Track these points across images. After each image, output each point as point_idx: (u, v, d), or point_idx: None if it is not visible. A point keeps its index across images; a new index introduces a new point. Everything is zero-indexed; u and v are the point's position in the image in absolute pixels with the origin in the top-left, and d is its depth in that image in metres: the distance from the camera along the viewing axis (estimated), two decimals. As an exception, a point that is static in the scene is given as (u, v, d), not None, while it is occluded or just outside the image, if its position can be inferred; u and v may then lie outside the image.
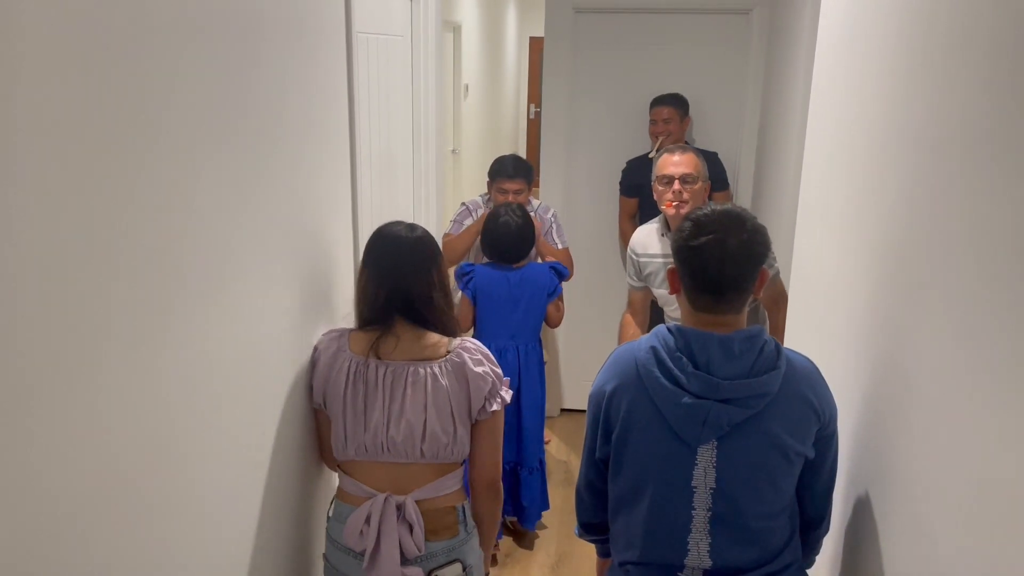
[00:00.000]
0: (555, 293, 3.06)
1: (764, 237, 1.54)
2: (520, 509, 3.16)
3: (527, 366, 3.03)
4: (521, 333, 3.02)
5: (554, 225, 3.42)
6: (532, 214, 3.42)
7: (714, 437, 1.49)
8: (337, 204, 1.94)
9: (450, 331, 1.75)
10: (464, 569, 1.71)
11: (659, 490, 1.54)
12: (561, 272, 3.09)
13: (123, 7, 0.98)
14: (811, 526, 1.65)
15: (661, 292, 2.79)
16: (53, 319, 0.88)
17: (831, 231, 1.95)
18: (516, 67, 9.96)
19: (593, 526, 1.78)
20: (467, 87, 6.65)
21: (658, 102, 3.70)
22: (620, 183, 3.85)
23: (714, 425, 1.47)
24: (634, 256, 2.84)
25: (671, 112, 3.64)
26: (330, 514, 1.76)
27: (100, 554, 1.01)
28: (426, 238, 1.77)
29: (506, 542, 3.25)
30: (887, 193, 1.53)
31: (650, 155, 3.62)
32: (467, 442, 1.73)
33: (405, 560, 1.65)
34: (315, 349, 1.76)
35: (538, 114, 10.48)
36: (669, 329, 1.54)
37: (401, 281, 1.71)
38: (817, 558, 1.79)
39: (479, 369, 1.71)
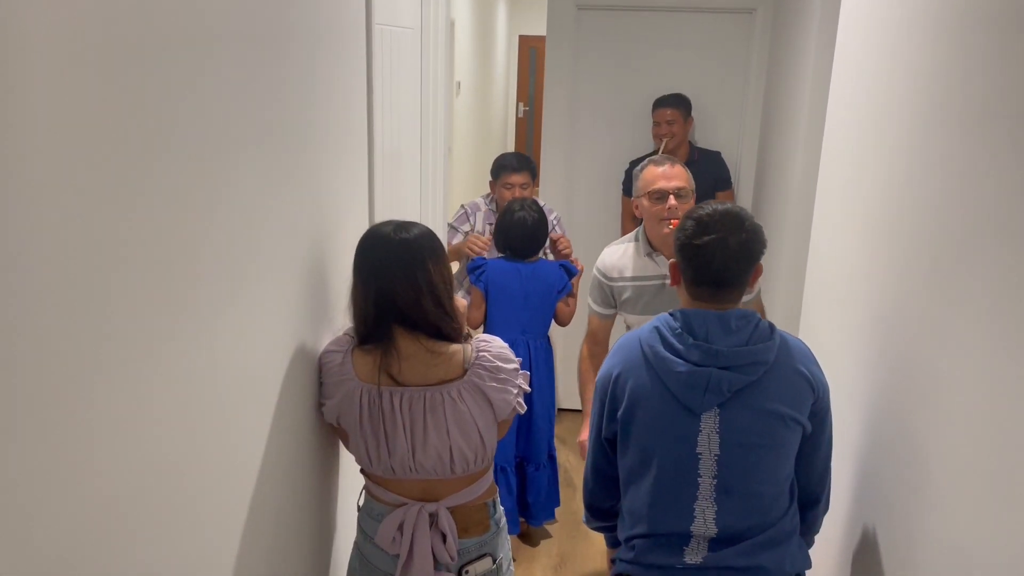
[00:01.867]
0: (565, 290, 3.04)
1: (761, 236, 1.66)
2: (526, 506, 3.14)
3: (537, 362, 3.03)
4: (531, 328, 3.02)
5: (557, 227, 3.39)
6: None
7: (716, 404, 1.57)
8: (354, 203, 1.90)
9: (454, 337, 1.63)
10: (495, 562, 1.69)
11: (666, 459, 1.61)
12: (571, 270, 3.08)
13: (148, 6, 0.94)
14: (810, 504, 1.71)
15: (635, 318, 2.48)
16: (59, 321, 0.84)
17: (851, 223, 1.94)
18: (506, 65, 9.93)
19: (600, 511, 1.83)
20: (459, 84, 6.61)
21: (661, 103, 3.67)
22: (623, 183, 3.83)
23: (715, 391, 1.56)
24: (606, 281, 2.52)
25: (674, 114, 3.61)
26: (360, 504, 1.72)
27: (115, 555, 0.96)
28: (414, 239, 1.60)
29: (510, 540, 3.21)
30: (917, 186, 1.52)
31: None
32: (495, 443, 1.68)
33: (438, 565, 1.62)
34: (319, 366, 1.65)
35: (527, 112, 10.46)
36: (671, 313, 1.65)
37: (386, 287, 1.57)
38: (831, 546, 1.79)
39: (499, 384, 1.62)
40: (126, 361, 0.92)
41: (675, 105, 3.63)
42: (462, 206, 3.42)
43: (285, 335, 1.48)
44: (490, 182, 3.37)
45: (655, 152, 3.66)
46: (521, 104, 10.58)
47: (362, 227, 1.90)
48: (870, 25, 1.89)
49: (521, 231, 2.97)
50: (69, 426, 0.83)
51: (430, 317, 1.59)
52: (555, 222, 3.39)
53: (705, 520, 1.59)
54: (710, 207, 1.66)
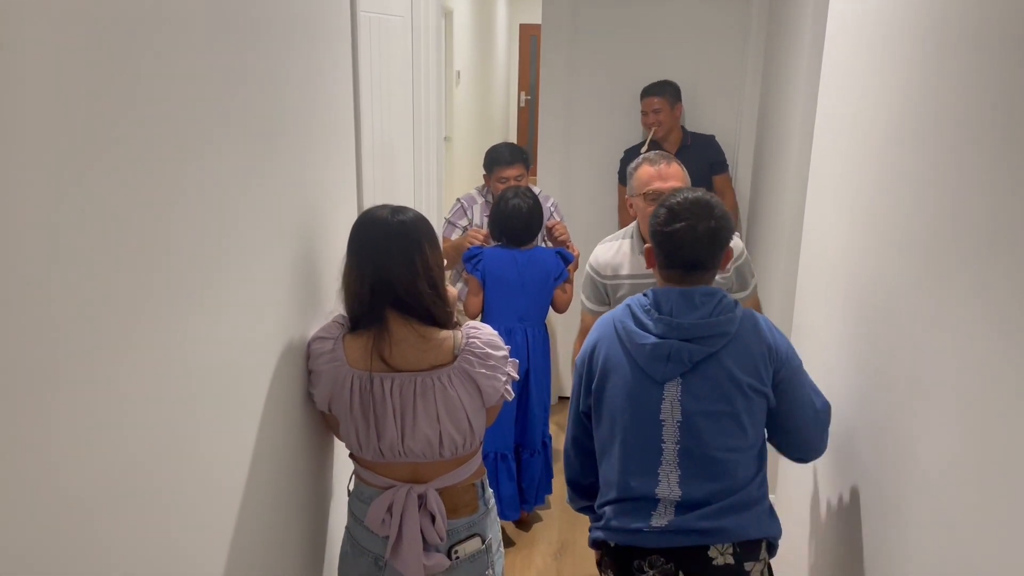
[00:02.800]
0: (561, 278, 3.05)
1: (730, 223, 1.76)
2: (520, 491, 3.15)
3: (534, 349, 3.03)
4: (529, 315, 3.02)
5: (555, 214, 3.39)
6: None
7: (678, 374, 1.68)
8: (342, 190, 1.90)
9: (445, 322, 1.64)
10: (484, 542, 1.70)
11: (631, 425, 1.71)
12: (567, 257, 3.07)
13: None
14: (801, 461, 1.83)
15: None
16: (29, 311, 0.84)
17: (841, 210, 1.93)
18: (506, 54, 9.90)
19: (581, 487, 1.92)
20: (459, 74, 6.60)
21: (647, 92, 3.64)
22: (619, 173, 3.82)
23: (677, 361, 1.67)
24: (599, 279, 2.49)
25: (660, 102, 3.59)
26: (350, 488, 1.73)
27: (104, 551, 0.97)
28: (411, 222, 1.61)
29: (507, 527, 3.23)
30: (907, 173, 1.51)
31: (642, 150, 3.55)
32: (483, 428, 1.69)
33: (427, 546, 1.63)
34: (308, 355, 1.65)
35: (528, 102, 10.43)
36: (644, 293, 1.78)
37: (383, 270, 1.57)
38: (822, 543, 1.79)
39: (488, 371, 1.63)
40: (103, 353, 0.92)
41: (661, 93, 3.60)
42: (458, 200, 3.40)
43: (273, 323, 1.48)
44: (484, 175, 3.36)
45: (643, 142, 3.64)
46: (523, 93, 10.55)
47: (351, 213, 1.90)
48: (861, 12, 1.88)
49: (516, 219, 2.97)
50: (42, 423, 0.83)
51: (425, 301, 1.60)
52: (552, 208, 3.38)
53: (669, 484, 1.68)
54: (681, 195, 1.77)
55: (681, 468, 1.68)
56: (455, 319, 1.68)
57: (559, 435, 3.92)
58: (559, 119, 3.92)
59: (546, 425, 3.19)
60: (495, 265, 2.98)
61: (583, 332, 2.62)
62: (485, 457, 2.96)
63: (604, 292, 2.51)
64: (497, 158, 3.29)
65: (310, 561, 1.75)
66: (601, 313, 2.50)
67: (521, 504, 3.18)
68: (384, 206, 1.65)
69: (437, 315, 1.62)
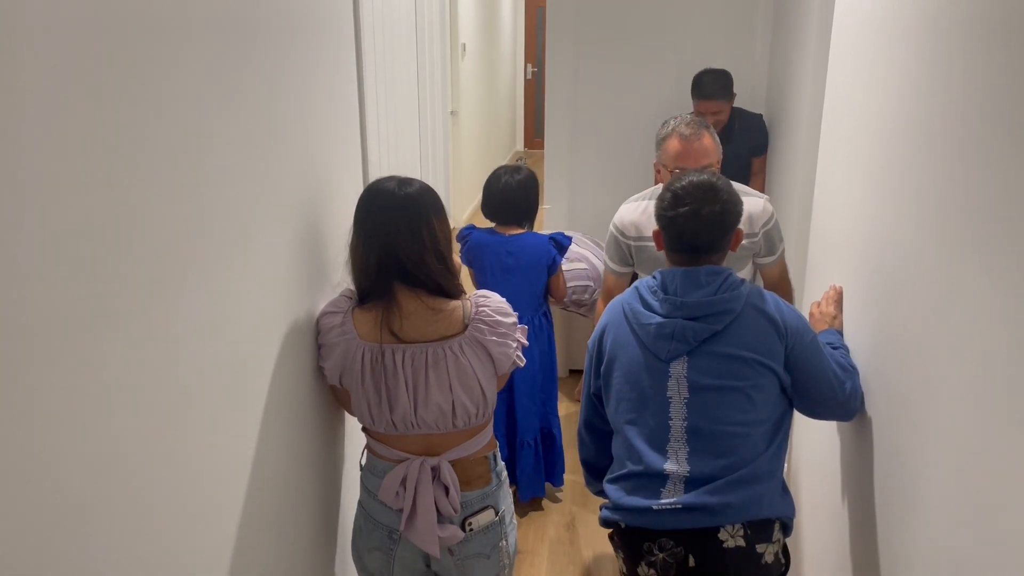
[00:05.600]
0: (554, 267, 2.88)
1: (736, 207, 1.75)
2: (515, 481, 3.10)
3: (527, 336, 2.94)
4: (517, 305, 2.87)
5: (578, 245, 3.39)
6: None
7: (684, 352, 1.68)
8: (347, 162, 1.89)
9: (454, 293, 1.63)
10: (497, 514, 1.71)
11: (638, 404, 1.72)
12: (561, 243, 2.91)
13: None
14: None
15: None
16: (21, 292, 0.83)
17: (853, 175, 1.91)
18: (512, 26, 9.80)
19: (596, 470, 1.92)
20: (464, 46, 6.54)
21: (704, 95, 3.37)
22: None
23: (681, 340, 1.68)
24: (623, 239, 2.48)
25: (719, 105, 3.38)
26: (363, 463, 1.74)
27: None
28: (418, 194, 1.60)
29: (521, 503, 3.25)
30: (917, 142, 1.49)
31: None
32: (495, 397, 1.69)
33: (441, 518, 1.64)
34: (317, 330, 1.65)
35: (535, 74, 10.33)
36: (653, 275, 1.79)
37: (390, 243, 1.56)
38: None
39: (499, 338, 1.64)
40: (114, 332, 0.92)
41: (721, 96, 3.37)
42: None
43: (279, 298, 1.48)
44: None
45: None
46: (529, 65, 10.45)
47: (357, 186, 1.88)
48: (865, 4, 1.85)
49: (500, 196, 2.88)
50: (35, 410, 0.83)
51: (433, 273, 1.60)
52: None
53: (678, 460, 1.67)
54: (687, 179, 1.75)
55: (689, 444, 1.67)
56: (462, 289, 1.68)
57: (570, 407, 3.93)
58: (566, 92, 3.87)
59: (549, 415, 3.09)
60: (478, 248, 2.90)
61: (606, 292, 2.62)
62: None
63: (628, 253, 2.50)
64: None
65: (323, 536, 1.77)
66: (624, 275, 2.59)
67: (518, 494, 3.11)
68: (390, 178, 1.63)
69: (446, 286, 1.62)
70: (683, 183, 1.74)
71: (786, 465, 2.53)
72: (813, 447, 2.22)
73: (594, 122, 3.93)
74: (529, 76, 10.46)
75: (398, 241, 1.57)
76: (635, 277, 2.43)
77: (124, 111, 0.94)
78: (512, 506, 1.80)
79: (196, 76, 1.11)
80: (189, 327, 1.11)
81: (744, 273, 2.53)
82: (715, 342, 1.67)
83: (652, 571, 1.69)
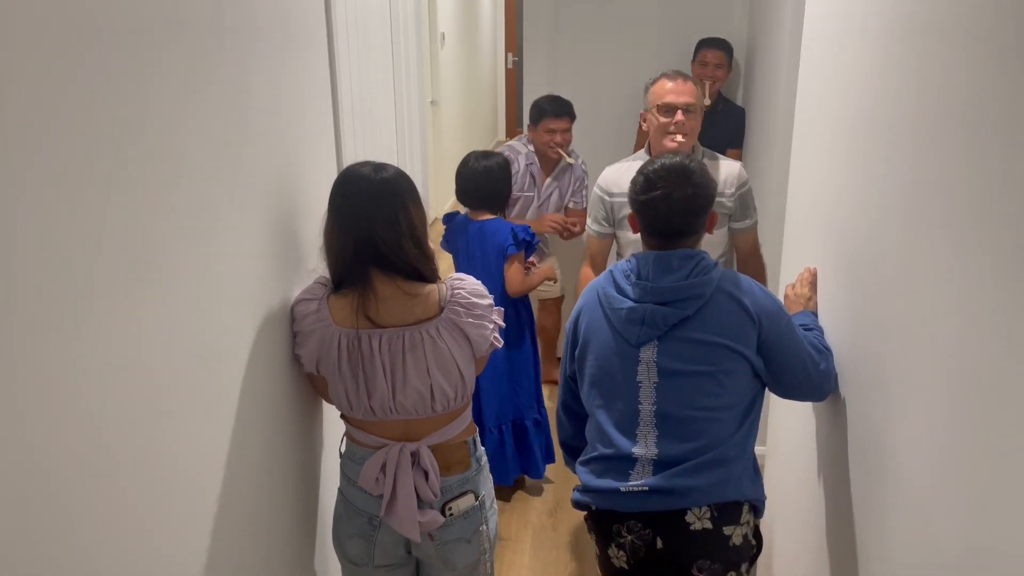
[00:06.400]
0: (505, 256, 2.82)
1: (708, 190, 1.74)
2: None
3: None
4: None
5: (585, 174, 3.44)
6: (571, 160, 3.40)
7: (654, 337, 1.68)
8: (320, 149, 1.88)
9: (430, 278, 1.63)
10: (477, 499, 1.71)
11: (610, 388, 1.73)
12: (518, 235, 2.82)
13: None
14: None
15: (628, 236, 2.50)
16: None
17: (827, 152, 1.93)
18: (492, 15, 9.77)
19: (574, 450, 1.93)
20: (443, 36, 6.51)
21: (708, 44, 3.48)
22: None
23: (651, 325, 1.67)
24: (606, 197, 2.55)
25: (721, 57, 3.44)
26: (342, 451, 1.74)
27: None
28: (394, 179, 1.59)
29: (505, 490, 3.26)
30: (888, 119, 1.50)
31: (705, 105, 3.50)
32: (474, 380, 1.70)
33: (421, 503, 1.65)
34: (292, 318, 1.64)
35: (516, 63, 10.31)
36: (627, 259, 1.79)
37: (366, 228, 1.56)
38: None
39: (475, 320, 1.64)
40: (83, 323, 0.92)
41: (723, 48, 3.46)
42: (504, 144, 3.45)
43: (254, 286, 1.47)
44: (528, 126, 3.40)
45: (705, 99, 3.57)
46: (510, 54, 10.42)
47: (330, 173, 1.87)
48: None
49: (468, 181, 2.89)
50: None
51: (410, 258, 1.59)
52: (583, 168, 3.46)
53: (647, 444, 1.68)
54: (659, 162, 1.74)
55: (659, 428, 1.68)
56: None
57: (555, 393, 3.95)
58: (542, 80, 3.88)
59: (526, 408, 3.06)
60: (450, 233, 2.93)
61: (590, 258, 2.70)
62: None
63: (609, 211, 2.56)
64: (546, 109, 3.33)
65: (303, 524, 1.77)
66: (606, 236, 2.64)
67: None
68: (365, 163, 1.63)
69: (423, 271, 1.62)
70: (655, 166, 1.73)
71: (761, 447, 2.56)
72: (789, 431, 2.24)
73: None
74: (510, 65, 10.43)
75: (374, 226, 1.56)
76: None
77: (89, 99, 0.94)
78: (492, 491, 1.81)
79: (164, 63, 1.11)
80: (159, 317, 1.11)
81: (720, 237, 2.57)
82: (685, 327, 1.67)
83: (622, 553, 1.71)
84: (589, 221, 2.65)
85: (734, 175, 2.53)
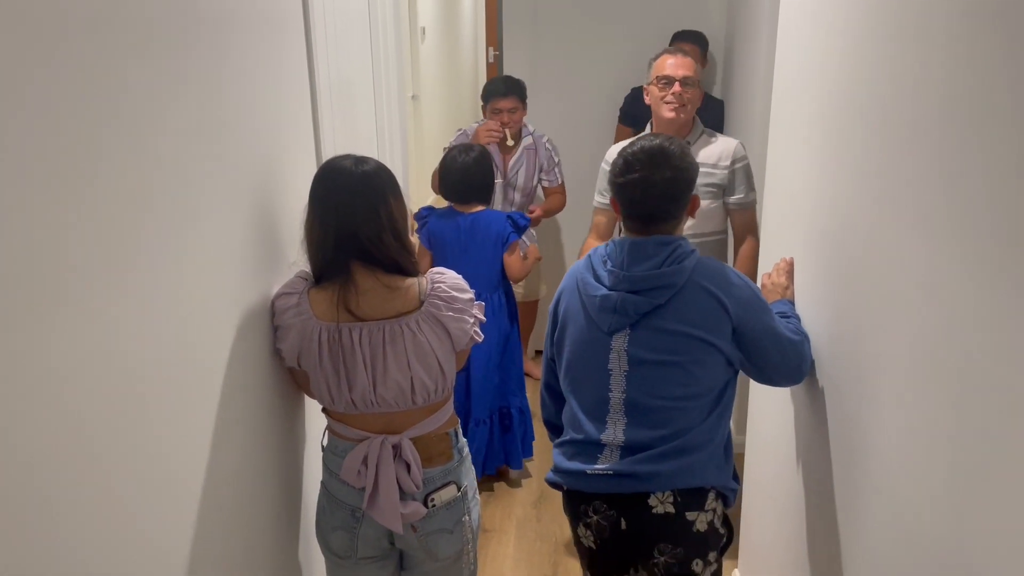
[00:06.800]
0: (508, 242, 2.93)
1: (688, 173, 1.72)
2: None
3: (485, 314, 2.96)
4: (476, 281, 2.90)
5: (552, 152, 3.43)
6: (530, 138, 3.40)
7: (626, 326, 1.69)
8: (300, 145, 1.88)
9: (411, 271, 1.64)
10: (459, 490, 1.72)
11: (582, 374, 1.75)
12: (517, 222, 2.95)
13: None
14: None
15: None
16: None
17: (803, 137, 1.95)
18: (473, 10, 9.74)
19: (556, 427, 1.96)
20: (424, 30, 6.50)
21: (681, 37, 3.58)
22: (620, 109, 3.78)
23: (623, 313, 1.68)
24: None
25: (694, 50, 3.44)
26: (324, 444, 1.74)
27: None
28: (375, 172, 1.60)
29: (489, 478, 3.28)
30: (865, 98, 1.52)
31: None
32: (454, 373, 1.70)
33: (404, 495, 1.65)
34: (272, 312, 1.64)
35: (497, 57, 10.30)
36: (606, 244, 1.77)
37: (348, 221, 1.56)
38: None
39: (455, 314, 1.64)
40: (58, 314, 0.92)
41: (698, 42, 3.53)
42: (460, 129, 3.51)
43: (234, 279, 1.47)
44: (482, 107, 3.43)
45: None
46: (491, 49, 10.41)
47: (310, 167, 1.87)
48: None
49: (455, 175, 2.93)
50: None
51: (391, 252, 1.60)
52: (549, 147, 3.46)
53: (615, 431, 1.70)
54: (639, 144, 1.73)
55: (627, 416, 1.70)
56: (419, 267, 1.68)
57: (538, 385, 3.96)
58: (524, 75, 3.88)
59: (511, 396, 3.10)
60: (438, 228, 2.94)
61: (594, 228, 2.81)
62: None
63: None
64: (492, 89, 3.36)
65: (286, 517, 1.77)
66: (610, 208, 2.65)
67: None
68: (346, 156, 1.63)
69: (403, 265, 1.62)
70: (634, 148, 1.72)
71: (742, 436, 2.58)
72: (768, 421, 2.26)
73: (552, 103, 3.95)
74: (491, 60, 10.41)
75: (356, 219, 1.57)
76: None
77: (63, 92, 0.94)
78: (475, 482, 1.82)
79: (140, 55, 1.10)
80: (137, 312, 1.11)
81: (715, 212, 2.63)
82: (657, 316, 1.66)
83: (589, 533, 1.76)
84: (596, 194, 2.77)
85: (730, 150, 2.61)
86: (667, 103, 2.55)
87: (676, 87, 2.54)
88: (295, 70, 1.85)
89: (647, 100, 2.65)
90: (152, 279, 1.15)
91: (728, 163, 2.61)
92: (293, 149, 1.82)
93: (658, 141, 1.72)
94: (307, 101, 1.93)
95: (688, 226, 2.65)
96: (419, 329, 1.61)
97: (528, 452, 3.22)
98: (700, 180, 2.63)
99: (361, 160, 1.61)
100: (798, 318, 1.84)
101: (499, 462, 3.17)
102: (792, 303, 1.92)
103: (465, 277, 2.83)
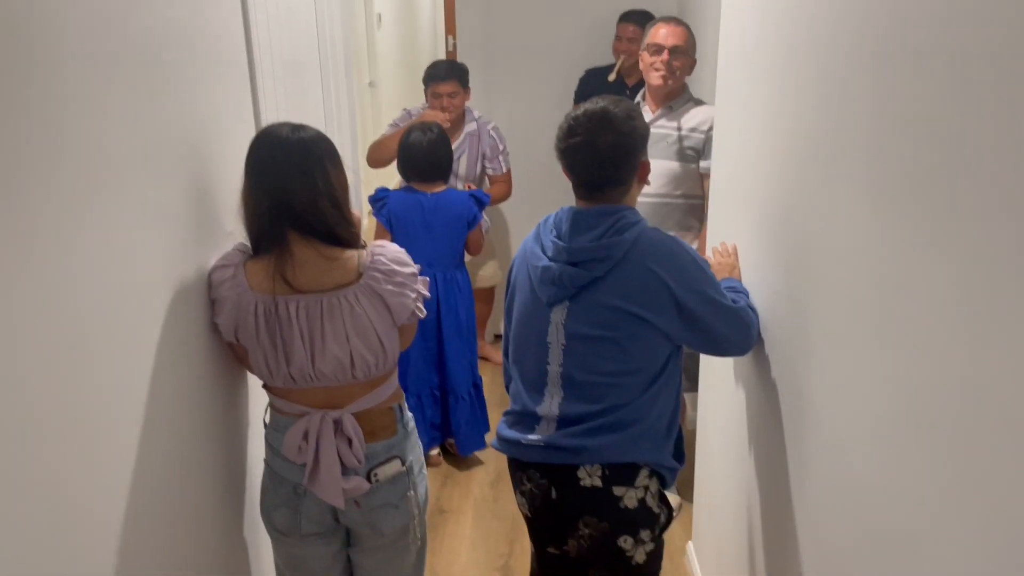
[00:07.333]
0: (475, 222, 3.00)
1: (631, 138, 1.65)
2: (453, 434, 3.18)
3: (447, 293, 3.01)
4: (439, 261, 2.98)
5: (497, 139, 3.40)
6: (474, 124, 3.39)
7: (566, 298, 1.67)
8: (236, 116, 1.84)
9: (350, 241, 1.61)
10: (404, 464, 1.71)
11: (524, 346, 1.76)
12: (481, 200, 3.02)
13: None
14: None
15: None
16: None
17: (749, 112, 1.96)
18: (431, -2, 9.67)
19: None
20: (380, 16, 6.45)
21: (625, 18, 3.60)
22: (575, 92, 3.79)
23: (561, 285, 1.66)
24: None
25: (636, 31, 3.52)
26: (266, 421, 1.73)
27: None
28: (312, 139, 1.57)
29: (447, 463, 3.29)
30: (805, 81, 1.53)
31: (610, 77, 3.55)
32: (397, 348, 1.69)
33: (346, 470, 1.64)
34: (209, 285, 1.61)
35: (456, 46, 10.24)
36: (559, 211, 1.74)
37: (282, 188, 1.53)
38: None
39: (395, 287, 1.61)
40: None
41: (640, 23, 3.51)
42: (405, 108, 3.45)
43: (168, 252, 1.45)
44: (424, 91, 3.38)
45: (609, 66, 3.62)
46: (451, 37, 10.36)
47: (248, 135, 1.83)
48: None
49: (417, 154, 2.93)
50: None
51: (327, 219, 1.57)
52: (493, 133, 3.42)
53: (551, 404, 1.70)
54: (584, 107, 1.67)
55: (564, 390, 1.69)
56: (362, 241, 1.66)
57: (497, 370, 3.97)
58: (478, 63, 3.90)
59: (474, 368, 3.17)
60: (400, 208, 2.94)
61: None
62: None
63: None
64: (433, 73, 3.30)
65: (229, 496, 1.76)
66: None
67: (458, 447, 3.20)
68: (283, 124, 1.60)
69: (340, 235, 1.59)
70: (579, 112, 1.66)
71: (695, 414, 2.61)
72: (718, 395, 2.28)
73: (507, 88, 3.96)
74: (451, 48, 10.36)
75: (289, 185, 1.54)
76: None
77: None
78: (421, 457, 1.81)
79: (71, 18, 1.07)
80: (62, 287, 1.08)
81: (687, 174, 2.70)
82: (595, 290, 1.63)
83: (523, 500, 1.78)
84: None
85: (711, 116, 2.64)
86: (656, 70, 2.67)
87: (665, 55, 2.65)
88: (233, 41, 1.82)
89: (641, 67, 2.77)
90: (78, 254, 1.12)
91: (706, 128, 2.65)
92: (229, 118, 1.79)
93: (602, 104, 1.65)
94: (244, 67, 1.90)
95: (663, 189, 2.72)
96: (357, 302, 1.59)
97: (481, 441, 3.26)
98: (681, 143, 2.69)
99: (299, 127, 1.58)
100: (747, 293, 1.83)
101: (481, 438, 3.22)
102: (740, 281, 1.92)
103: (429, 256, 2.91)
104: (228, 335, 1.64)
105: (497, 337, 4.32)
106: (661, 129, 2.77)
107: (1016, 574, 0.83)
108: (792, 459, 1.58)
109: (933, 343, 1.00)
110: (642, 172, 1.71)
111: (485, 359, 3.92)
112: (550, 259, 1.68)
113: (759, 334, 1.77)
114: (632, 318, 1.62)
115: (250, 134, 1.87)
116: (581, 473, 1.66)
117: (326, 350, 1.59)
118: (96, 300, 1.18)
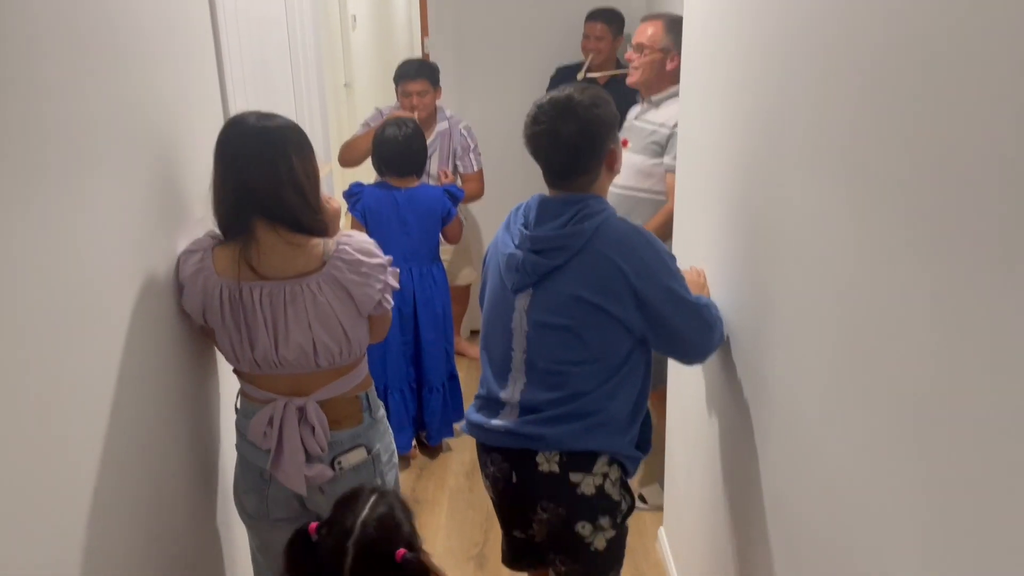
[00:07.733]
0: (449, 217, 3.05)
1: (595, 125, 1.64)
2: (423, 426, 3.23)
3: (423, 287, 3.05)
4: (415, 256, 3.01)
5: (468, 137, 3.42)
6: (446, 123, 3.41)
7: (529, 285, 1.69)
8: (204, 104, 1.87)
9: (316, 229, 1.62)
10: (369, 453, 1.73)
11: (491, 332, 1.79)
12: (455, 194, 3.06)
13: None
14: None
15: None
16: None
17: (711, 93, 1.98)
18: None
19: None
20: (355, 18, 6.47)
21: (592, 17, 3.63)
22: (547, 90, 3.81)
23: (524, 273, 1.68)
24: None
25: (603, 30, 3.57)
26: (237, 406, 1.76)
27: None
28: (277, 128, 1.58)
29: (421, 450, 3.33)
30: (772, 72, 1.51)
31: (578, 76, 3.59)
32: (365, 339, 1.70)
33: (310, 457, 1.67)
34: (177, 268, 1.63)
35: (429, 45, 10.25)
36: (531, 198, 1.76)
37: (245, 177, 1.55)
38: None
39: (359, 277, 1.62)
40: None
41: (607, 21, 3.58)
42: (376, 108, 3.46)
43: (136, 234, 1.47)
44: (395, 89, 3.40)
45: (578, 64, 3.66)
46: (426, 38, 10.36)
47: (217, 123, 1.84)
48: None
49: (392, 148, 2.96)
50: None
51: (291, 207, 1.58)
52: (465, 132, 3.43)
53: (514, 390, 1.74)
54: (549, 95, 1.69)
55: (527, 376, 1.72)
56: (333, 230, 1.68)
57: (472, 364, 4.01)
58: (449, 58, 3.93)
59: (450, 361, 3.21)
60: (374, 203, 2.97)
61: (670, 193, 2.79)
62: (384, 392, 3.02)
63: None
64: (403, 72, 3.31)
65: (201, 481, 1.78)
66: None
67: (427, 438, 3.25)
68: (252, 112, 1.62)
69: (305, 223, 1.60)
70: (542, 100, 1.68)
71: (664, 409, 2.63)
72: (686, 384, 2.30)
73: (479, 87, 4.00)
74: (426, 49, 10.37)
75: (252, 172, 1.56)
76: None
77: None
78: (392, 446, 1.82)
79: (42, 4, 1.10)
80: (32, 271, 1.09)
81: (656, 170, 2.74)
82: (556, 279, 1.65)
83: (488, 483, 1.85)
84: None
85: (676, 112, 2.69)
86: (632, 67, 2.79)
87: (630, 53, 2.79)
88: (200, 32, 1.85)
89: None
90: (48, 237, 1.14)
91: (672, 124, 2.67)
92: (199, 108, 1.82)
93: (568, 91, 1.66)
94: (213, 61, 1.92)
95: (630, 182, 2.75)
96: (319, 290, 1.60)
97: (450, 429, 3.29)
98: (647, 138, 2.73)
99: (266, 116, 1.60)
100: (716, 307, 1.78)
101: (450, 427, 3.26)
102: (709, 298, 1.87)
103: (405, 250, 2.95)
104: (196, 318, 1.66)
105: (473, 333, 4.35)
106: (639, 123, 2.83)
107: (965, 537, 0.88)
108: (758, 442, 1.61)
109: (894, 334, 1.01)
110: (610, 160, 1.70)
111: (461, 355, 3.96)
112: (516, 246, 1.71)
113: (721, 339, 1.76)
114: (591, 307, 1.63)
115: (218, 119, 1.91)
116: (540, 459, 1.69)
117: (289, 337, 1.61)
118: (64, 286, 1.20)
